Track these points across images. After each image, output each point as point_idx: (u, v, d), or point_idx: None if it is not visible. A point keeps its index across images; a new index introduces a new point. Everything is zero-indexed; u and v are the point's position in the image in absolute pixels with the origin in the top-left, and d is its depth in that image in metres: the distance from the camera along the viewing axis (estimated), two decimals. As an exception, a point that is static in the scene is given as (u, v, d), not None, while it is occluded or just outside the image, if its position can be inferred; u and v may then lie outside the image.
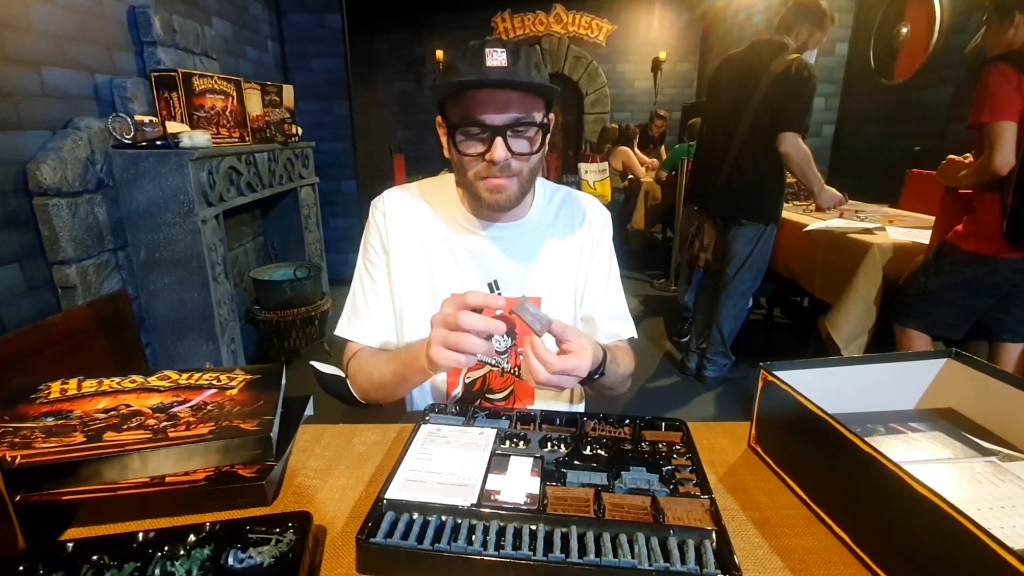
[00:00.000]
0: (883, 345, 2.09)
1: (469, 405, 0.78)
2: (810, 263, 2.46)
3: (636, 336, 0.96)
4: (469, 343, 0.64)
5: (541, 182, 0.94)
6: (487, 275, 0.88)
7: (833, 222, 2.46)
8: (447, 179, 0.92)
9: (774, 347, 3.19)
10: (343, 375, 0.92)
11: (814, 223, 2.47)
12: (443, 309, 0.67)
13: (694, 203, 2.63)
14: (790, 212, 2.80)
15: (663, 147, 5.71)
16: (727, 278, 2.43)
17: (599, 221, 0.95)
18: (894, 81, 3.87)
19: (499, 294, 0.88)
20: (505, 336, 0.90)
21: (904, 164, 3.37)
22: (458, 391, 0.91)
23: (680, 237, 3.43)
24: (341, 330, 0.92)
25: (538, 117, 0.78)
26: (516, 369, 0.91)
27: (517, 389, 0.93)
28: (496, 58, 0.73)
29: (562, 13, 6.74)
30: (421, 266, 0.89)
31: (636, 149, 5.27)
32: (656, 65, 6.82)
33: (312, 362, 0.95)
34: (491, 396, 0.92)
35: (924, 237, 2.03)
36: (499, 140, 0.75)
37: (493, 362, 0.90)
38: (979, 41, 1.73)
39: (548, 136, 0.80)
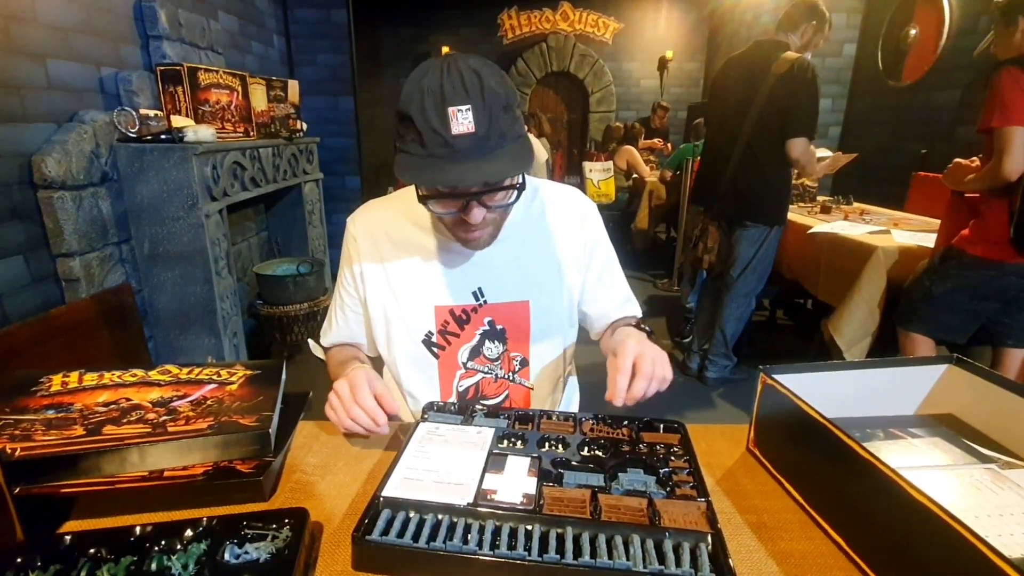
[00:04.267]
0: (886, 349, 2.08)
1: (468, 405, 0.78)
2: (814, 265, 2.45)
3: (640, 314, 0.97)
4: (350, 427, 0.70)
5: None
6: (470, 283, 0.87)
7: (838, 224, 2.45)
8: None
9: (776, 349, 3.18)
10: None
11: (818, 225, 2.46)
12: (343, 387, 0.71)
13: (700, 203, 2.62)
14: (794, 214, 2.78)
15: (668, 144, 5.69)
16: (731, 280, 2.42)
17: (587, 217, 0.92)
18: (902, 83, 3.84)
19: (484, 301, 0.87)
20: (496, 342, 0.89)
21: (911, 167, 3.35)
22: (452, 400, 0.91)
23: (684, 238, 3.42)
24: (321, 334, 0.99)
25: (512, 176, 0.72)
26: (509, 375, 0.91)
27: (512, 394, 0.92)
28: (462, 121, 0.64)
29: (569, 11, 6.72)
30: (401, 281, 0.87)
31: (642, 140, 5.27)
32: (662, 64, 6.80)
33: (310, 339, 1.00)
34: (486, 402, 0.92)
35: (929, 241, 2.02)
36: (474, 204, 0.71)
37: (486, 369, 0.90)
38: (989, 44, 1.71)
39: (524, 188, 0.75)
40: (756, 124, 2.17)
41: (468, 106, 0.64)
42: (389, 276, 0.88)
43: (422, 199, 0.73)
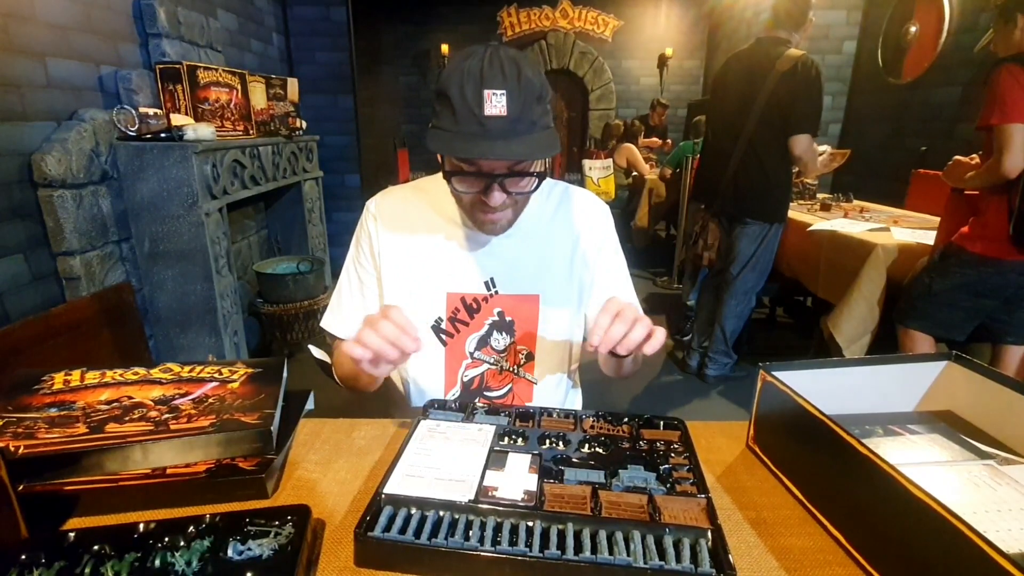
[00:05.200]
0: (886, 346, 2.08)
1: (469, 402, 0.78)
2: (813, 263, 2.45)
3: None
4: (375, 344, 0.64)
5: None
6: (483, 273, 0.88)
7: (837, 222, 2.45)
8: (441, 178, 0.90)
9: (776, 346, 3.19)
10: (329, 361, 0.94)
11: (818, 223, 2.47)
12: (371, 317, 0.67)
13: (700, 201, 2.62)
14: (794, 211, 2.78)
15: (668, 141, 5.69)
16: (730, 277, 2.42)
17: (599, 217, 0.94)
18: (902, 80, 3.84)
19: (495, 292, 0.88)
20: (504, 334, 0.90)
21: (911, 164, 3.35)
22: (456, 389, 0.91)
23: (684, 235, 3.42)
24: (326, 322, 0.95)
25: (536, 162, 0.75)
26: (515, 367, 0.91)
27: (515, 387, 0.93)
28: (496, 104, 0.67)
29: (568, 8, 6.71)
30: (416, 265, 0.88)
31: (641, 137, 5.27)
32: (662, 61, 6.79)
33: (310, 345, 0.97)
34: (489, 394, 0.93)
35: (929, 238, 2.02)
36: (496, 187, 0.73)
37: (492, 360, 0.90)
38: (989, 42, 1.71)
39: (544, 178, 0.78)
40: (759, 121, 2.17)
41: (503, 91, 0.67)
42: (405, 259, 0.89)
43: (447, 175, 0.76)
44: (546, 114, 0.73)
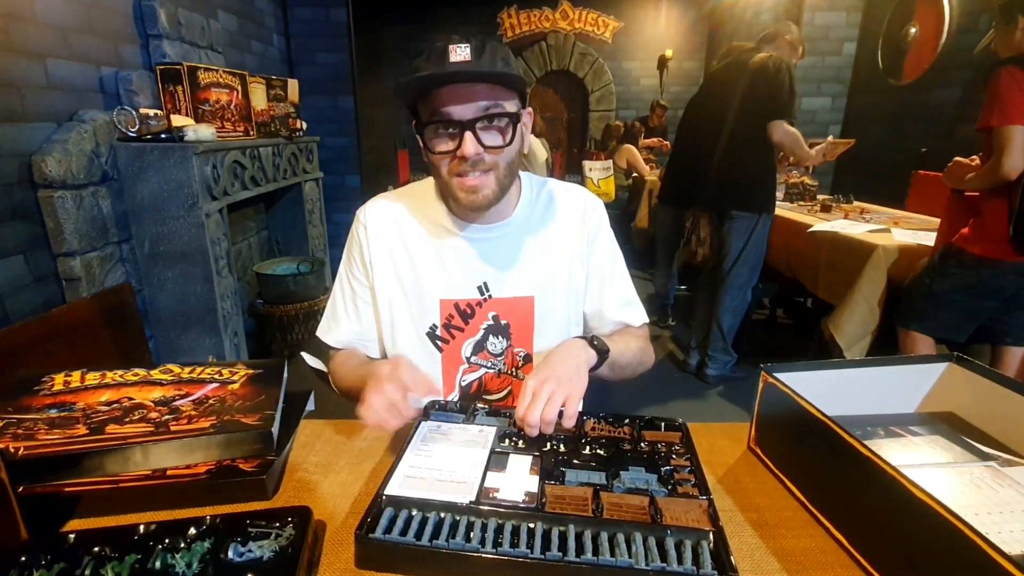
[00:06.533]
0: (886, 347, 2.08)
1: (469, 403, 0.78)
2: (814, 264, 2.45)
3: (647, 321, 0.97)
4: (389, 412, 0.65)
5: (528, 178, 0.92)
6: (475, 278, 0.87)
7: (838, 223, 2.45)
8: (429, 183, 0.90)
9: (777, 348, 3.18)
10: (325, 370, 0.94)
11: (819, 224, 2.47)
12: (381, 374, 0.68)
13: (672, 204, 2.79)
14: (794, 212, 2.79)
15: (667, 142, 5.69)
16: (724, 272, 2.46)
17: (591, 212, 0.93)
18: (902, 81, 3.84)
19: (488, 296, 0.87)
20: (500, 337, 0.90)
21: (911, 165, 3.35)
22: (454, 394, 0.91)
23: (656, 236, 3.45)
24: (321, 332, 0.95)
25: (509, 107, 0.76)
26: (512, 370, 0.91)
27: (515, 390, 0.92)
28: (460, 53, 0.71)
29: (568, 9, 6.71)
30: (408, 273, 0.88)
31: (641, 139, 5.27)
32: (662, 63, 6.79)
33: (303, 353, 0.96)
34: (488, 397, 0.92)
35: (929, 239, 2.02)
36: (468, 135, 0.73)
37: (489, 364, 0.90)
38: (989, 43, 1.72)
39: (521, 127, 0.79)
40: (737, 116, 2.30)
41: (467, 45, 0.72)
42: (397, 267, 0.88)
43: (419, 129, 0.78)
44: (512, 72, 0.75)
